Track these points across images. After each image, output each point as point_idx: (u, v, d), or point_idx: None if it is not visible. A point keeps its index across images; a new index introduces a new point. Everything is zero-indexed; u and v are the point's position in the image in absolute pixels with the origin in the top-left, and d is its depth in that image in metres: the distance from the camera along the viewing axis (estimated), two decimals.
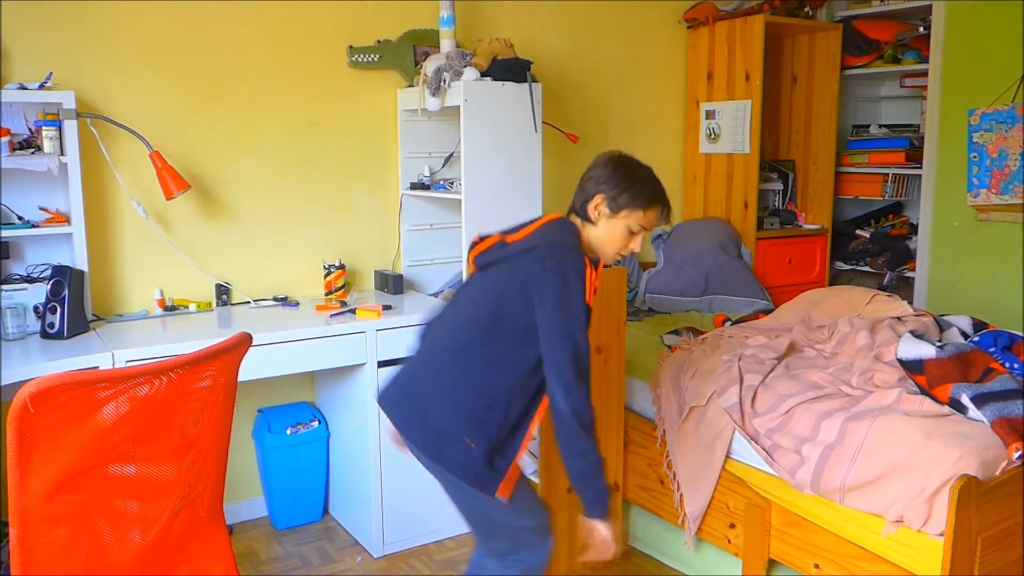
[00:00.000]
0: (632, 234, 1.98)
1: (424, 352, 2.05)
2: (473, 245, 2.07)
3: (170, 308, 3.05)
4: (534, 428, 1.92)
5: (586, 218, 1.99)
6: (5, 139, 2.65)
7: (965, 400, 2.24)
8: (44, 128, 2.69)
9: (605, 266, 2.06)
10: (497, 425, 1.86)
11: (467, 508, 1.99)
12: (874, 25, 4.25)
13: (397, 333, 2.92)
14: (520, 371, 1.87)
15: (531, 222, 2.00)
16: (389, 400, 2.01)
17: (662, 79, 4.25)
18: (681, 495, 2.74)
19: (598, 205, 1.96)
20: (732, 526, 2.63)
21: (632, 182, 1.96)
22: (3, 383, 2.28)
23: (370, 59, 3.38)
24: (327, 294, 3.23)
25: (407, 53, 3.45)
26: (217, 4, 3.08)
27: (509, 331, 1.87)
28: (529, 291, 1.85)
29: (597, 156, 2.06)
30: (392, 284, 3.36)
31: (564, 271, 1.84)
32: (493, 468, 1.86)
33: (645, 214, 1.97)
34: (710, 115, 4.17)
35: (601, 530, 1.88)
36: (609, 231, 1.98)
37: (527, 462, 2.88)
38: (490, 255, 2.00)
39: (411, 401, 1.95)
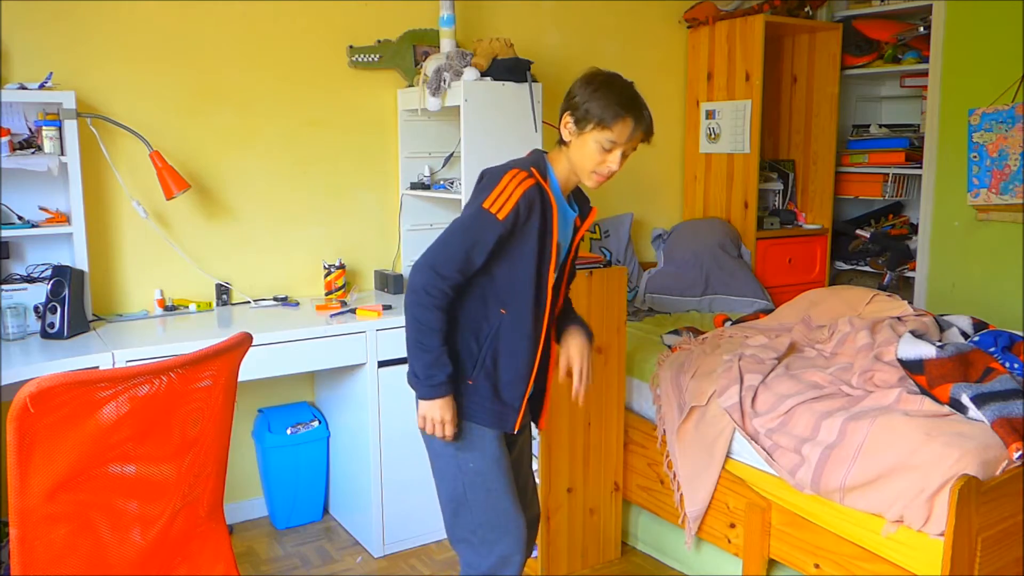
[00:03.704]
0: (605, 151, 1.87)
1: None
2: None
3: (170, 308, 3.05)
4: (528, 364, 1.96)
5: (563, 141, 1.93)
6: (5, 139, 2.65)
7: (965, 400, 2.24)
8: (44, 128, 2.69)
9: (574, 197, 2.03)
10: (482, 358, 1.93)
11: (441, 470, 2.00)
12: (874, 25, 4.24)
13: (397, 333, 2.92)
14: (476, 302, 1.92)
15: None
16: None
17: (662, 79, 4.24)
18: (681, 495, 2.74)
19: (566, 123, 1.90)
20: (732, 526, 2.63)
21: (598, 95, 1.86)
22: (3, 383, 2.28)
23: (370, 59, 3.38)
24: (327, 294, 3.23)
25: (407, 53, 3.45)
26: (217, 4, 3.08)
27: None
28: None
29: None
30: (392, 284, 3.36)
31: (484, 184, 1.88)
32: (502, 400, 1.94)
33: (612, 128, 1.85)
34: (710, 115, 4.17)
35: (420, 407, 1.91)
36: (579, 149, 1.89)
37: None
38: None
39: None
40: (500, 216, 1.81)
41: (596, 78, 1.91)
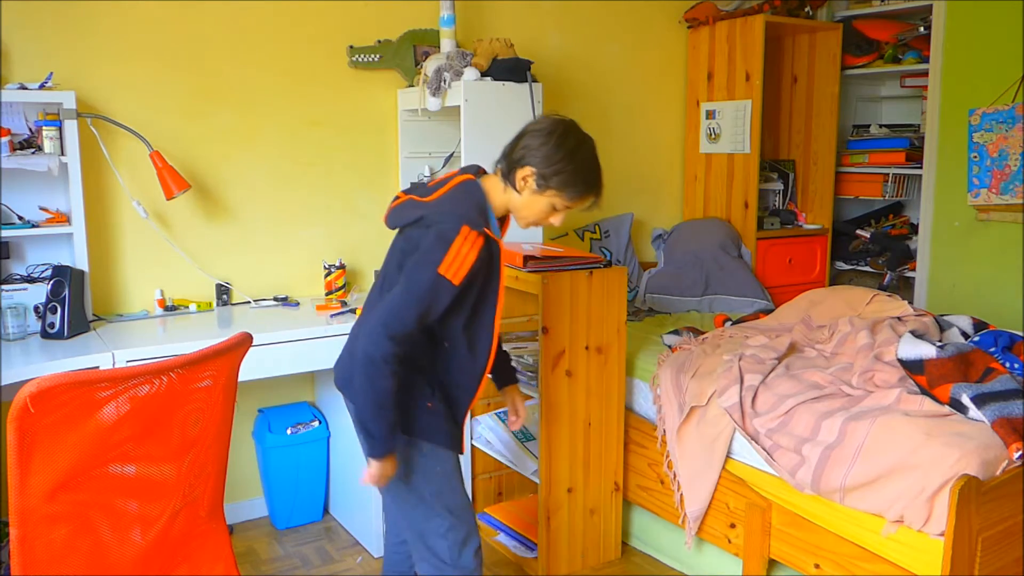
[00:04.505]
0: (555, 211, 1.92)
1: (356, 325, 2.10)
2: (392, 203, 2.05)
3: (170, 308, 3.05)
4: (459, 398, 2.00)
5: (510, 182, 1.91)
6: (5, 139, 2.65)
7: (965, 400, 2.24)
8: (44, 128, 2.69)
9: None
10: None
11: (413, 485, 2.00)
12: (874, 25, 4.25)
13: None
14: (423, 334, 1.90)
15: (445, 183, 1.95)
16: (337, 372, 2.07)
17: (662, 79, 4.25)
18: (681, 495, 2.74)
19: (526, 177, 1.88)
20: (732, 526, 2.63)
21: (568, 165, 1.87)
22: (3, 383, 2.28)
23: (370, 59, 3.38)
24: (327, 294, 3.23)
25: (407, 53, 3.45)
26: (217, 4, 3.08)
27: None
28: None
29: (540, 117, 1.97)
30: None
31: (436, 240, 1.82)
32: (455, 422, 2.00)
33: (575, 202, 1.91)
34: (710, 115, 4.17)
35: (371, 467, 1.89)
36: (531, 204, 1.92)
37: (527, 462, 2.88)
38: (397, 217, 2.00)
39: (345, 364, 2.01)
40: (456, 282, 1.81)
41: (565, 142, 1.88)
